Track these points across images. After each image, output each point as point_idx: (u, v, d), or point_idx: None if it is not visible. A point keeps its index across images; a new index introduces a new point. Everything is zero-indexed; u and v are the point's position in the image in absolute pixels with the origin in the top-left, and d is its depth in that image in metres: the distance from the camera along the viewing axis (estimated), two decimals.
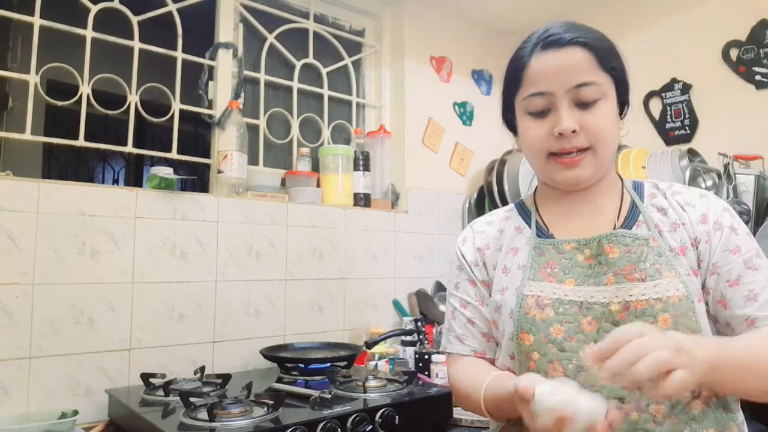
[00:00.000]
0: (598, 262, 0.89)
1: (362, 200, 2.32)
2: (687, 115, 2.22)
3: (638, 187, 0.98)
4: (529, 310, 0.90)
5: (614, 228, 0.92)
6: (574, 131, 0.87)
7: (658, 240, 0.88)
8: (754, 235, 1.76)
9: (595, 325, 0.86)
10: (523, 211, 1.04)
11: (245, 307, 1.92)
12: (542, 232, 0.98)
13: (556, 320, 0.88)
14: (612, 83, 0.90)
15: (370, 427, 1.33)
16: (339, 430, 1.28)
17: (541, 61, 0.89)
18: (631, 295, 0.85)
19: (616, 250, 0.88)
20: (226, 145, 1.98)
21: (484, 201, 2.56)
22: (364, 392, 1.47)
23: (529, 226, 1.00)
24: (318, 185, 2.23)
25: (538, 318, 0.89)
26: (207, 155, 2.11)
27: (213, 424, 1.22)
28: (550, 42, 0.89)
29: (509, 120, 1.02)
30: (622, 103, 0.94)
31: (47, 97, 1.78)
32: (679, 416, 0.82)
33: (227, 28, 2.14)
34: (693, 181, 1.94)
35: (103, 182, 4.05)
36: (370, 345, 1.89)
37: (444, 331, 1.09)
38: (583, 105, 0.88)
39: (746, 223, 1.79)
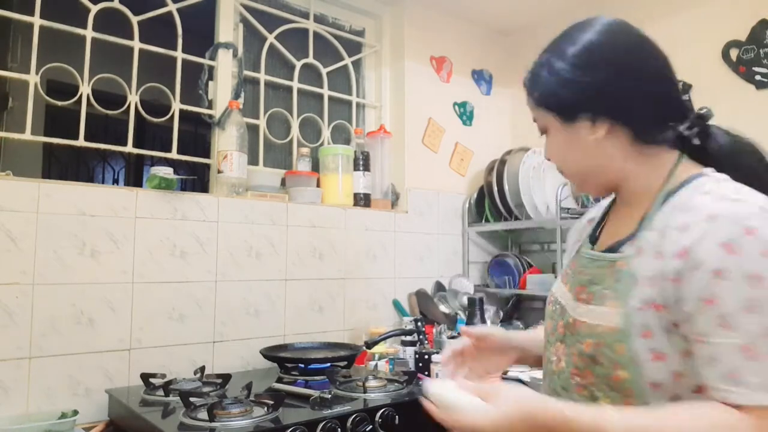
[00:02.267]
0: (578, 276, 0.92)
1: (362, 200, 2.32)
2: None
3: (670, 196, 0.81)
4: (548, 301, 0.97)
5: (616, 243, 0.86)
6: (548, 158, 0.93)
7: (627, 263, 0.79)
8: None
9: (562, 330, 0.89)
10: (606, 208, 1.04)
11: (245, 307, 1.92)
12: (593, 235, 0.97)
13: (548, 316, 0.95)
14: (550, 113, 0.87)
15: (370, 427, 1.33)
16: (339, 430, 1.28)
17: None
18: (574, 314, 0.85)
19: (576, 267, 0.91)
20: (226, 145, 1.98)
21: (484, 201, 2.56)
22: (364, 392, 1.47)
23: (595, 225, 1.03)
24: (318, 185, 2.23)
25: (547, 310, 0.97)
26: (207, 155, 2.11)
27: (213, 424, 1.22)
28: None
29: None
30: (594, 114, 0.83)
31: (47, 97, 1.78)
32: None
33: (227, 28, 2.14)
34: None
35: (103, 182, 4.04)
36: (370, 345, 1.89)
37: None
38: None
39: None
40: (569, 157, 0.89)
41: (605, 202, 1.01)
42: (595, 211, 1.04)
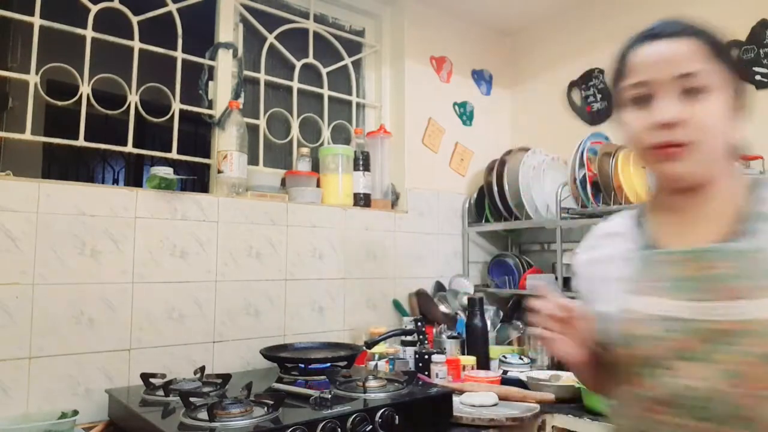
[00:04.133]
0: (697, 277, 0.81)
1: (362, 200, 2.32)
2: None
3: (759, 188, 0.87)
4: (643, 324, 0.86)
5: (720, 239, 0.83)
6: (674, 123, 0.82)
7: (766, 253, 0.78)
8: None
9: (697, 345, 0.80)
10: (637, 217, 0.98)
11: (245, 307, 1.92)
12: (647, 242, 0.92)
13: (655, 339, 0.84)
14: (727, 76, 0.86)
15: (370, 427, 1.33)
16: (339, 430, 1.28)
17: (646, 50, 0.87)
18: (728, 316, 0.78)
19: (715, 264, 0.80)
20: (226, 145, 1.98)
21: (484, 201, 2.56)
22: (364, 392, 1.47)
23: (638, 234, 0.95)
24: (318, 185, 2.23)
25: (645, 333, 0.86)
26: (207, 155, 2.11)
27: (213, 424, 1.22)
28: (656, 33, 0.88)
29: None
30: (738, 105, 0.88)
31: (47, 97, 1.78)
32: None
33: (227, 28, 2.14)
34: None
35: (103, 182, 4.04)
36: (370, 345, 1.89)
37: None
38: (690, 97, 0.83)
39: None
40: (722, 128, 0.85)
41: (619, 218, 1.00)
42: (617, 225, 0.99)
